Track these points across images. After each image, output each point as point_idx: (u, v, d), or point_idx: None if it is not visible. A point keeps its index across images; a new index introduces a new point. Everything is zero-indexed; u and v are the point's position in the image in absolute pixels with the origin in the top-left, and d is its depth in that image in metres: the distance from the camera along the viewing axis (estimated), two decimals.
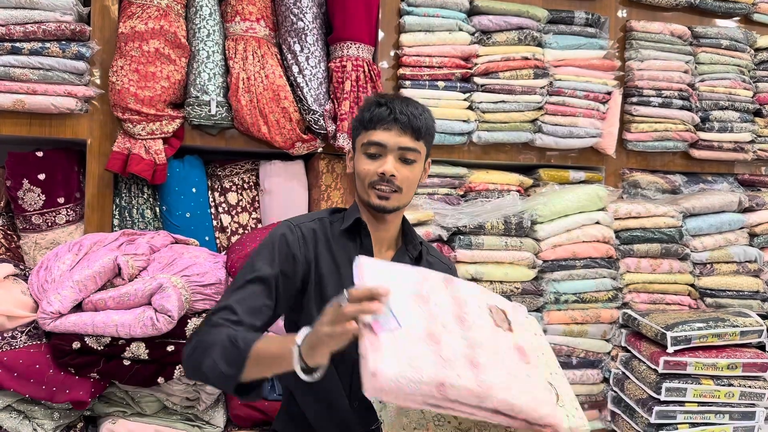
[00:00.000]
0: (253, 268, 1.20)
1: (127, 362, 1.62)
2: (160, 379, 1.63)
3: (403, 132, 1.22)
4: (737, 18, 2.67)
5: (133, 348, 1.61)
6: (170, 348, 1.63)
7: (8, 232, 2.05)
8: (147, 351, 1.61)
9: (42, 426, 1.62)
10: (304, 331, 0.99)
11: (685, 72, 2.53)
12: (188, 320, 1.67)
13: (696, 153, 2.58)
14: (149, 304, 1.63)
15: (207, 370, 1.09)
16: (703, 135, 2.55)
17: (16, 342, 1.62)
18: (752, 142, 2.63)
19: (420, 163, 1.27)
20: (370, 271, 0.99)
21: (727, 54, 2.59)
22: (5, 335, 1.62)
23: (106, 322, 1.59)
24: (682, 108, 2.52)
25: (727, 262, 2.43)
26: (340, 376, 1.24)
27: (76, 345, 1.59)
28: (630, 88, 2.49)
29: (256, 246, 1.29)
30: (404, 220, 1.35)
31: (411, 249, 1.34)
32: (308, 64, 2.09)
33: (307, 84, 2.08)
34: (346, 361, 1.22)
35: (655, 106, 2.49)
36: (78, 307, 1.64)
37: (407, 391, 0.86)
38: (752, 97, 2.63)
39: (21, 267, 1.87)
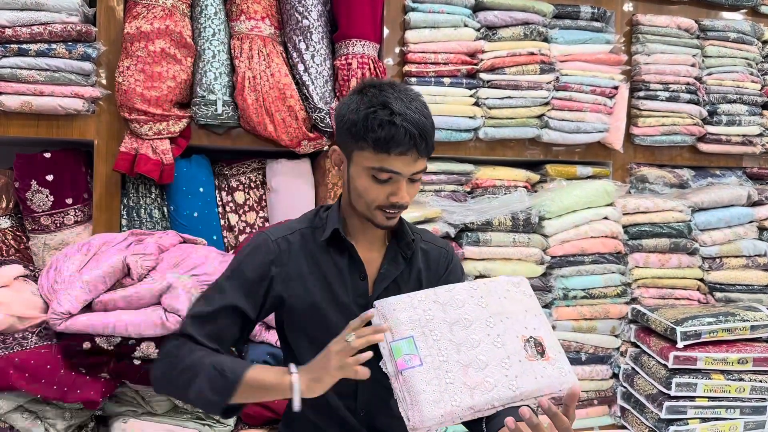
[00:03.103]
0: (224, 296, 1.20)
1: (137, 362, 1.62)
2: None
3: (419, 157, 1.14)
4: (744, 10, 2.65)
5: (143, 348, 1.61)
6: None
7: (17, 233, 2.06)
8: (157, 351, 1.62)
9: (54, 426, 1.63)
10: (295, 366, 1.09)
11: (693, 65, 2.51)
12: None
13: (704, 147, 2.56)
14: (158, 303, 1.63)
15: (193, 396, 1.13)
16: (711, 129, 2.54)
17: (27, 343, 1.63)
18: (761, 135, 2.61)
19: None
20: (390, 310, 1.08)
21: (735, 47, 2.57)
22: (16, 336, 1.63)
23: (116, 322, 1.59)
24: (689, 102, 2.50)
25: (737, 257, 2.42)
26: (344, 388, 1.17)
27: (86, 345, 1.60)
28: (637, 83, 2.48)
29: (233, 260, 1.27)
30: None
31: (404, 247, 1.28)
32: (314, 62, 2.08)
33: (312, 82, 2.08)
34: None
35: (662, 100, 2.47)
36: (88, 308, 1.64)
37: (447, 420, 1.01)
38: (760, 90, 2.61)
39: (30, 268, 1.88)
